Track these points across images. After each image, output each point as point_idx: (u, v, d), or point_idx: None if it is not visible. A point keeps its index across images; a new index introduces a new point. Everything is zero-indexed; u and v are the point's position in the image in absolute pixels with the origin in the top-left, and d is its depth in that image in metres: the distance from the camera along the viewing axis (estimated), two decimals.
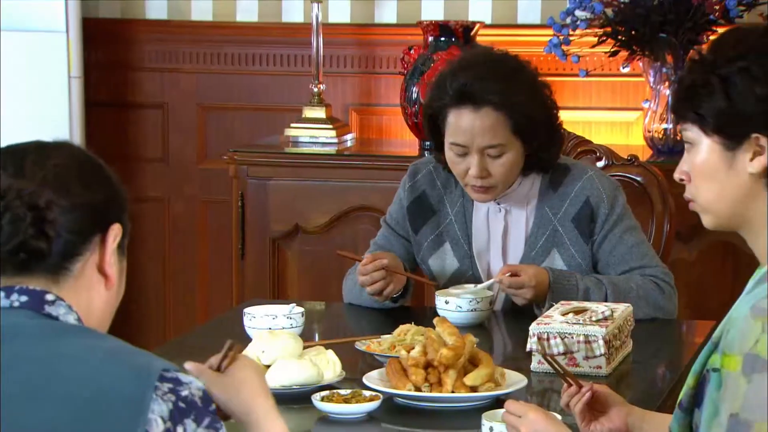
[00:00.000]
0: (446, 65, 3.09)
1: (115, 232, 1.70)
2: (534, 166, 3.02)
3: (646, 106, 4.15)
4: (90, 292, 1.69)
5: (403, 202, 3.13)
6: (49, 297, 1.64)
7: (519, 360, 2.66)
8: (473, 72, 2.94)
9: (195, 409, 1.58)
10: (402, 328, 2.66)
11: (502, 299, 3.05)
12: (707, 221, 1.89)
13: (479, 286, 2.97)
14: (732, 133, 1.81)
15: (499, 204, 3.05)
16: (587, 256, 3.01)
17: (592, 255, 3.02)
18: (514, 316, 3.00)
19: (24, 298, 1.64)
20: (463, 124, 2.93)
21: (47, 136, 4.63)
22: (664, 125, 4.07)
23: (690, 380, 1.84)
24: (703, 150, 1.85)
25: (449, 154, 2.98)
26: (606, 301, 2.90)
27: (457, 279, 3.05)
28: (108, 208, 1.70)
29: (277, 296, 4.13)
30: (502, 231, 3.06)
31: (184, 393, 1.59)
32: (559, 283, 2.91)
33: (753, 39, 1.83)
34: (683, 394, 1.84)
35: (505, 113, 2.92)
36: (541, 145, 2.98)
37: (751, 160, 1.81)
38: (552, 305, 2.81)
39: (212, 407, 1.60)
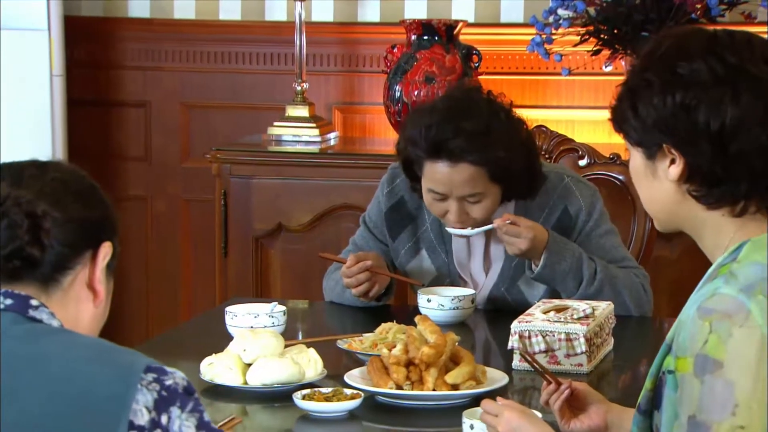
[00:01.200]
0: (419, 110, 3.02)
1: (105, 250, 1.73)
2: (512, 197, 3.01)
3: None
4: (78, 306, 1.72)
5: (382, 206, 3.12)
6: (34, 302, 1.67)
7: (500, 358, 2.67)
8: (448, 126, 2.88)
9: (178, 396, 1.61)
10: (384, 326, 2.66)
11: (484, 298, 3.05)
12: (655, 223, 1.94)
13: (477, 230, 2.95)
14: (646, 144, 1.84)
15: None
16: None
17: None
18: (496, 315, 3.01)
19: (9, 301, 1.66)
20: (440, 176, 2.90)
21: (29, 134, 4.61)
22: None
23: (647, 383, 1.86)
24: (632, 158, 1.89)
25: (427, 197, 2.96)
26: (595, 276, 2.92)
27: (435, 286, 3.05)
28: (101, 225, 1.73)
29: (260, 295, 4.13)
30: (484, 244, 3.06)
31: (168, 382, 1.61)
32: (556, 244, 2.92)
33: (662, 48, 1.85)
34: (641, 397, 1.87)
35: (483, 167, 2.89)
36: (521, 183, 2.96)
37: (669, 167, 1.83)
38: (546, 265, 2.86)
39: (195, 395, 1.63)
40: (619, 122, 1.87)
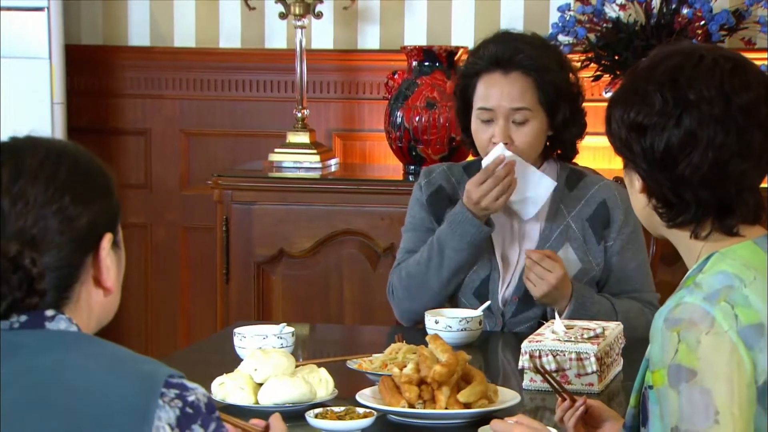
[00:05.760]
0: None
1: (106, 242, 1.66)
2: (555, 148, 3.07)
3: None
4: (89, 306, 1.68)
5: (422, 199, 3.13)
6: (49, 313, 1.63)
7: (511, 378, 2.66)
8: (506, 42, 3.03)
9: (200, 414, 1.58)
10: (393, 346, 2.66)
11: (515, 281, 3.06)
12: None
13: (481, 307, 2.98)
14: (620, 153, 1.93)
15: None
16: (600, 256, 3.04)
17: (605, 258, 3.04)
18: (504, 335, 3.01)
19: (23, 318, 1.62)
20: (492, 88, 3.01)
21: None
22: None
23: (632, 400, 1.89)
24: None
25: (475, 123, 3.04)
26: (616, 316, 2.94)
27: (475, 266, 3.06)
28: (98, 224, 1.66)
29: (262, 320, 4.12)
30: (519, 220, 3.08)
31: (191, 398, 1.59)
32: (582, 289, 2.94)
33: (640, 66, 1.92)
34: (627, 415, 1.88)
35: (534, 79, 2.99)
36: (564, 122, 3.03)
37: (635, 180, 1.92)
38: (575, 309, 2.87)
39: (216, 414, 1.61)
40: (606, 130, 1.95)
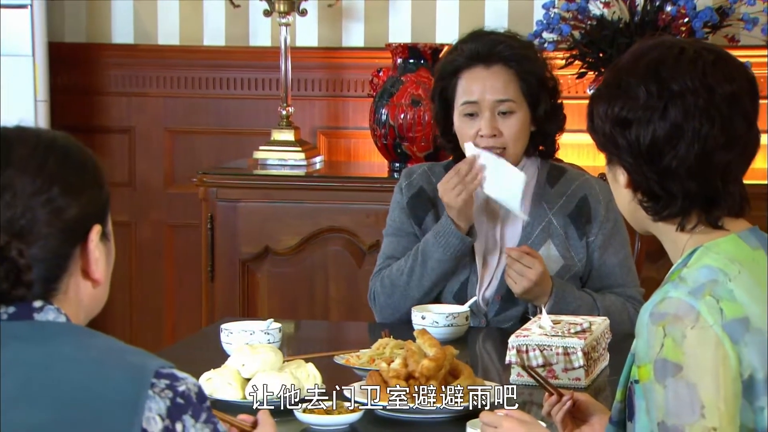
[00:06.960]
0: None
1: (95, 234, 1.65)
2: (537, 145, 3.07)
3: None
4: (78, 298, 1.67)
5: (402, 202, 3.13)
6: (37, 304, 1.62)
7: (498, 373, 2.67)
8: (483, 37, 3.05)
9: (191, 404, 1.58)
10: (381, 341, 2.67)
11: (496, 282, 3.06)
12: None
13: (467, 303, 2.97)
14: (603, 149, 1.92)
15: None
16: (581, 252, 3.05)
17: (587, 254, 3.05)
18: (491, 331, 3.01)
19: (11, 309, 1.61)
20: (474, 82, 3.01)
21: None
22: None
23: (618, 394, 1.90)
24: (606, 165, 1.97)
25: (459, 120, 3.03)
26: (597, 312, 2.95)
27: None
28: (87, 216, 1.65)
29: (247, 318, 4.11)
30: (500, 220, 3.08)
31: (181, 388, 1.58)
32: (562, 285, 2.95)
33: (622, 61, 1.92)
34: (612, 409, 1.89)
35: (515, 71, 3.01)
36: (546, 115, 3.04)
37: (620, 175, 1.91)
38: (555, 302, 2.89)
39: (207, 403, 1.60)
40: (588, 127, 1.95)
